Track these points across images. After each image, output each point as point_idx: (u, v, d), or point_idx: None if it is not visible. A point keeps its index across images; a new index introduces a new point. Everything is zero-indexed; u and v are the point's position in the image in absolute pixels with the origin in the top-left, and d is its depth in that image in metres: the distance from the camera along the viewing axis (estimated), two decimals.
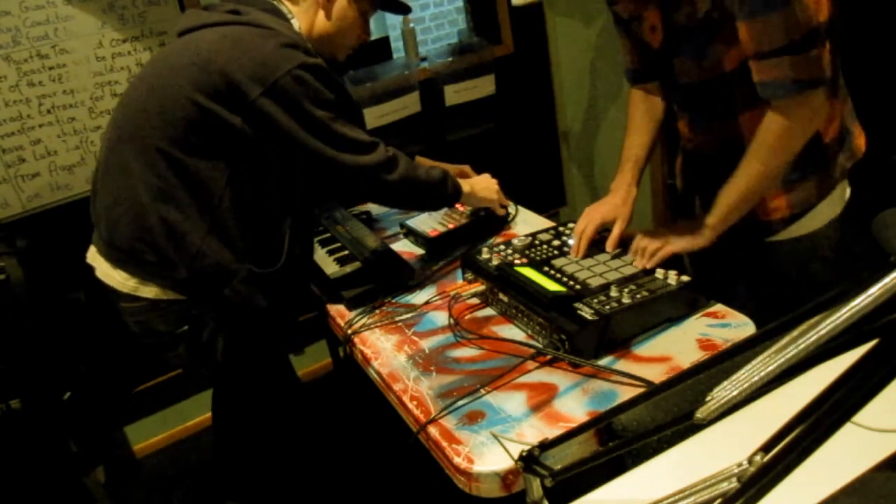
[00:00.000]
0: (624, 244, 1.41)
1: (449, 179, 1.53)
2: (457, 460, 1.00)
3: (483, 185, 1.68)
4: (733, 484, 0.49)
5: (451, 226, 1.71)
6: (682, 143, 1.49)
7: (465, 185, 1.60)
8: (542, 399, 1.09)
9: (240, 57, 1.27)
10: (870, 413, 0.42)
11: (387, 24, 3.86)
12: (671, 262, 1.32)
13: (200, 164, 1.32)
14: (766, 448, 0.46)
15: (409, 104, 2.49)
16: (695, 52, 1.25)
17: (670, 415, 0.59)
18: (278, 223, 1.44)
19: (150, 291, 1.38)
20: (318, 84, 1.31)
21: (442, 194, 1.53)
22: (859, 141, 1.36)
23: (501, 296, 1.33)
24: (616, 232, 1.41)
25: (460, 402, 1.11)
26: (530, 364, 1.18)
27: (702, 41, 1.22)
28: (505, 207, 1.78)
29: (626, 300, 1.19)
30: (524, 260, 1.40)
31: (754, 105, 1.24)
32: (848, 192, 1.37)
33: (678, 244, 1.30)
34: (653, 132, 1.48)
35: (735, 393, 0.50)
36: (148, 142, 1.33)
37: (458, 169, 1.85)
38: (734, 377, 0.50)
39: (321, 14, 1.45)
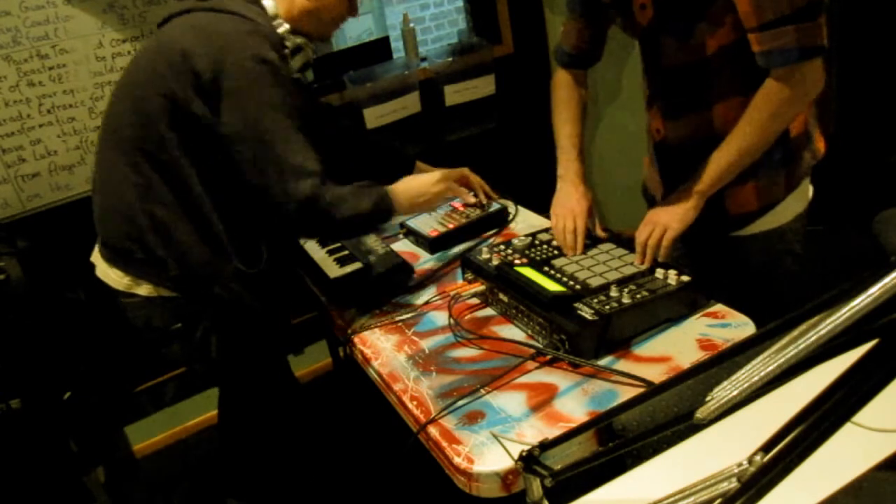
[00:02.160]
0: (623, 244, 1.41)
1: (379, 205, 1.41)
2: (457, 460, 1.00)
3: (410, 194, 1.50)
4: (733, 484, 0.49)
5: (451, 226, 1.71)
6: (650, 137, 1.49)
7: (397, 195, 1.46)
8: (542, 399, 1.09)
9: (200, 43, 1.26)
10: (870, 413, 0.42)
11: (387, 24, 3.86)
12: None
13: (178, 160, 1.31)
14: (766, 448, 0.46)
15: (409, 104, 2.49)
16: (681, 30, 1.26)
17: (670, 415, 0.59)
18: (255, 222, 1.42)
19: (143, 289, 1.39)
20: (267, 78, 1.27)
21: (363, 225, 1.46)
22: (819, 144, 1.40)
23: (501, 296, 1.33)
24: (598, 223, 1.47)
25: (460, 402, 1.11)
26: (530, 364, 1.18)
27: (691, 19, 1.23)
28: (477, 197, 1.76)
29: (626, 300, 1.19)
30: (524, 260, 1.40)
31: (729, 96, 1.28)
32: (811, 190, 1.41)
33: (676, 225, 1.30)
34: (583, 122, 1.53)
35: (735, 393, 0.50)
36: (129, 142, 1.33)
37: (459, 172, 1.85)
38: (734, 377, 0.50)
39: None
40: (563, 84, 1.55)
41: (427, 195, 1.51)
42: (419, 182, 1.54)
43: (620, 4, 1.33)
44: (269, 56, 1.27)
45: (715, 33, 1.22)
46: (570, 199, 1.45)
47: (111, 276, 1.42)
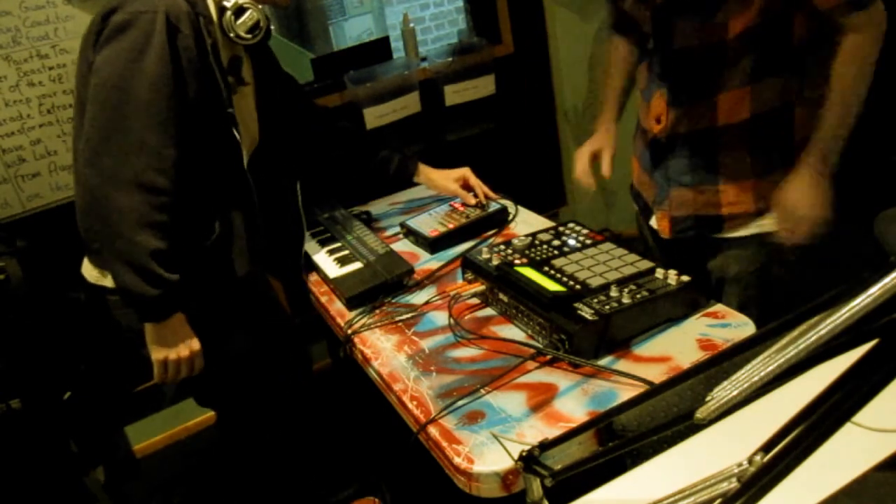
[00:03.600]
0: (623, 244, 1.41)
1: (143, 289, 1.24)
2: (457, 460, 1.00)
3: (156, 338, 1.33)
4: (733, 484, 0.49)
5: (451, 226, 1.71)
6: (642, 134, 1.50)
7: (155, 328, 1.32)
8: (542, 399, 1.09)
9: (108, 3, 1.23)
10: (870, 413, 0.42)
11: (387, 25, 3.86)
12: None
13: None
14: (766, 448, 0.46)
15: (409, 104, 2.49)
16: (704, 9, 1.25)
17: (670, 415, 0.59)
18: (202, 189, 1.38)
19: (109, 280, 1.36)
20: (136, 42, 1.18)
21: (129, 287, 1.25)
22: None
23: (501, 296, 1.33)
24: (606, 159, 1.54)
25: (460, 402, 1.11)
26: (530, 364, 1.18)
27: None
28: (476, 197, 1.78)
29: (626, 300, 1.19)
30: (524, 260, 1.40)
31: (734, 87, 1.28)
32: None
33: (823, 213, 1.24)
34: (629, 75, 1.57)
35: (735, 393, 0.50)
36: (76, 118, 1.32)
37: (459, 173, 1.85)
38: (734, 377, 0.50)
39: None
40: (613, 47, 1.59)
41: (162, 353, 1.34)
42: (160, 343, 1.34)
43: None
44: (140, 13, 1.19)
45: (740, 14, 1.21)
46: (587, 143, 1.59)
47: (88, 269, 1.43)
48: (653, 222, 1.52)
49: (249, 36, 1.34)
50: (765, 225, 1.36)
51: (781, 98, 1.28)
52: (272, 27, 1.52)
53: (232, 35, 1.33)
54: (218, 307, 1.48)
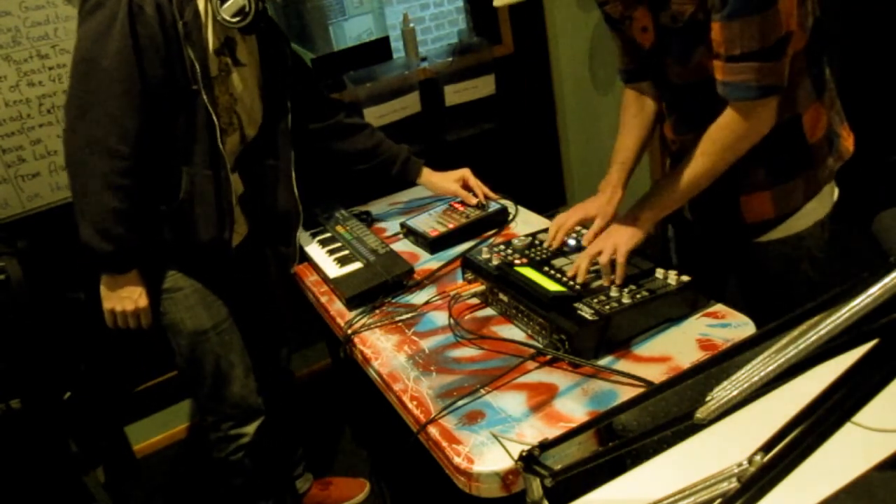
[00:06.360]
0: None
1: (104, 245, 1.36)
2: (457, 460, 1.00)
3: (107, 291, 1.46)
4: (733, 484, 0.49)
5: (451, 226, 1.71)
6: (667, 144, 1.50)
7: (106, 281, 1.45)
8: (542, 399, 1.09)
9: None
10: (870, 413, 0.42)
11: (387, 25, 3.86)
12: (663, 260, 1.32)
13: None
14: (766, 448, 0.46)
15: (409, 104, 2.49)
16: (681, 53, 1.26)
17: (670, 415, 0.59)
18: (170, 144, 1.43)
19: None
20: (103, 22, 1.30)
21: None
22: (847, 143, 1.36)
23: (501, 296, 1.33)
24: (594, 228, 1.42)
25: (460, 402, 1.11)
26: (530, 364, 1.18)
27: (688, 43, 1.23)
28: (477, 197, 1.78)
29: (626, 300, 1.19)
30: (524, 260, 1.40)
31: None
32: (836, 192, 1.37)
33: (625, 246, 1.28)
34: (642, 134, 1.48)
35: (735, 393, 0.50)
36: None
37: (459, 174, 1.85)
38: (734, 377, 0.50)
39: None
40: (624, 101, 1.51)
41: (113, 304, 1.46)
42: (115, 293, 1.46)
43: (626, 22, 1.33)
44: (122, 1, 1.29)
45: (711, 56, 1.21)
46: (586, 203, 1.48)
47: None
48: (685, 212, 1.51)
49: (235, 20, 1.39)
50: (790, 227, 1.34)
51: (787, 112, 1.26)
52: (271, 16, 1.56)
53: (219, 19, 1.39)
54: (179, 269, 1.53)
